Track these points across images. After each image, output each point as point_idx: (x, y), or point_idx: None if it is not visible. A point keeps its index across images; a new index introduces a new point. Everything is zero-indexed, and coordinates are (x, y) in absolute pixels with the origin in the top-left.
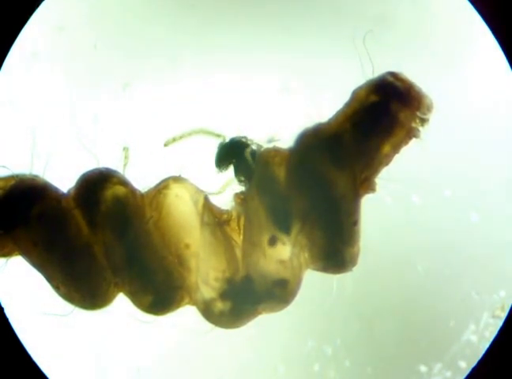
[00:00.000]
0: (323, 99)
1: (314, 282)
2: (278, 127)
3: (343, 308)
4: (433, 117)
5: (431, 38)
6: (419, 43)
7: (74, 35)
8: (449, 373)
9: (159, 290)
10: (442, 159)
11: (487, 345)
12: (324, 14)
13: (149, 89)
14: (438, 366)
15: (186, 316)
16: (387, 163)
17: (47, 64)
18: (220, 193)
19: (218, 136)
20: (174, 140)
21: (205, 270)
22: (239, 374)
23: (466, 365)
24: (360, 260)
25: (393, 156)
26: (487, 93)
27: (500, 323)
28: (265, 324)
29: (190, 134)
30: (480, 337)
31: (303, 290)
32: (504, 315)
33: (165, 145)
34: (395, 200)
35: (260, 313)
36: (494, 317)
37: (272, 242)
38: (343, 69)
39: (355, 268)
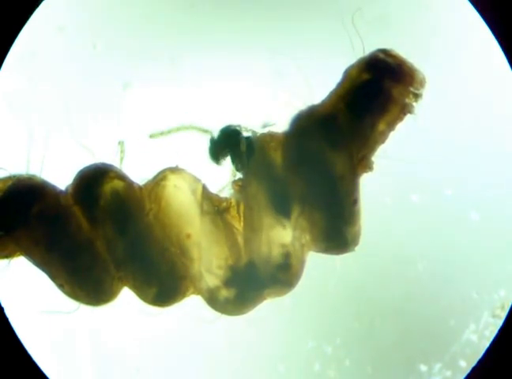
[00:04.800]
0: (316, 81)
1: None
2: (272, 112)
3: (342, 307)
4: (426, 93)
5: (430, 37)
6: (417, 42)
7: (74, 35)
8: (449, 373)
9: (163, 282)
10: (443, 159)
11: (487, 344)
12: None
13: (149, 89)
14: (438, 366)
15: (186, 316)
16: (383, 141)
17: (47, 64)
18: (226, 187)
19: (205, 131)
20: (161, 134)
21: (208, 258)
22: (239, 374)
23: (466, 365)
24: (362, 257)
25: (388, 134)
26: (487, 93)
27: (500, 322)
28: (265, 324)
29: (177, 130)
30: (480, 336)
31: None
32: (504, 314)
33: (151, 137)
34: (395, 200)
35: (265, 299)
36: (494, 316)
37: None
38: (334, 50)
39: (357, 248)
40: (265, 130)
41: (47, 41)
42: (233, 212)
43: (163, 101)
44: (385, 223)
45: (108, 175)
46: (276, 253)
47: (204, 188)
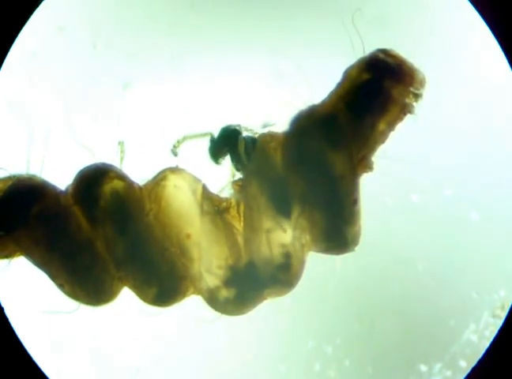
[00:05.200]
0: (316, 81)
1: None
2: (272, 112)
3: (343, 307)
4: (426, 93)
5: (430, 37)
6: (417, 42)
7: (74, 35)
8: (449, 373)
9: (163, 282)
10: (443, 159)
11: (487, 344)
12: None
13: (149, 89)
14: (438, 366)
15: (186, 316)
16: (383, 141)
17: (47, 64)
18: (226, 187)
19: (205, 134)
20: (176, 146)
21: (208, 258)
22: (239, 374)
23: (466, 365)
24: (362, 257)
25: (388, 134)
26: (487, 93)
27: (500, 322)
28: (265, 324)
29: (182, 141)
30: (480, 336)
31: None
32: (504, 314)
33: (173, 154)
34: (395, 200)
35: (265, 299)
36: (494, 316)
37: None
38: (334, 50)
39: (357, 248)
40: (265, 130)
41: (47, 41)
42: (233, 212)
43: (163, 101)
44: (385, 223)
45: (108, 175)
46: (276, 253)
47: (204, 188)
